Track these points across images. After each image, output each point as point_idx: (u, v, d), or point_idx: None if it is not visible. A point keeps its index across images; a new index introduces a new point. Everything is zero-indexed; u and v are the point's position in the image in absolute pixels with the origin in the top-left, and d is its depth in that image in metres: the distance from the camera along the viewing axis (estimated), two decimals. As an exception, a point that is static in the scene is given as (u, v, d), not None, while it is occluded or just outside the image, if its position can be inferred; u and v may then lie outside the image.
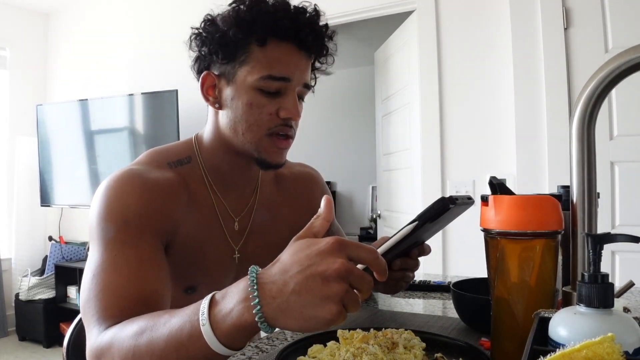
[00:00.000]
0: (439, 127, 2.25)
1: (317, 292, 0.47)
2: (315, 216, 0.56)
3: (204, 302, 0.53)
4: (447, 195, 2.26)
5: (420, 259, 0.85)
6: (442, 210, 0.64)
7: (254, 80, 0.77)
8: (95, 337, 0.62)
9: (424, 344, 0.64)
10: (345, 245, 0.49)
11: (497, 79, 2.12)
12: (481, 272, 0.71)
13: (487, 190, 0.62)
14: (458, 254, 2.21)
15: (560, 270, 0.61)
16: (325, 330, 0.54)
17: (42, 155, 3.43)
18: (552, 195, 0.58)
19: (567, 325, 0.44)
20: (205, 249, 0.84)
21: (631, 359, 0.39)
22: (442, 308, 0.97)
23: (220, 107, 0.82)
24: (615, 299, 0.46)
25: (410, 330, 0.67)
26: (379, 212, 3.09)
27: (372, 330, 0.67)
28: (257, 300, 0.49)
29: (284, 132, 0.80)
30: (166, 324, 0.55)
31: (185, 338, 0.53)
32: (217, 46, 0.78)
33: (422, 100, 2.29)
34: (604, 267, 0.45)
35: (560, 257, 0.59)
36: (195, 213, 0.83)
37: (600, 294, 0.44)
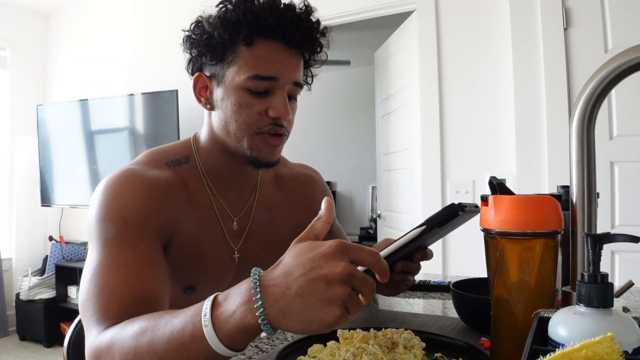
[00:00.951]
0: (439, 127, 2.25)
1: (320, 295, 0.48)
2: (316, 218, 0.56)
3: (207, 303, 0.53)
4: (447, 195, 2.27)
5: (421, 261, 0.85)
6: (451, 216, 0.64)
7: (242, 80, 0.77)
8: (95, 337, 0.62)
9: (424, 344, 0.64)
10: (348, 249, 0.50)
11: (497, 79, 2.12)
12: (481, 272, 0.71)
13: (487, 190, 0.62)
14: (458, 254, 2.21)
15: (560, 270, 0.61)
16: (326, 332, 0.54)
17: (43, 155, 3.43)
18: (552, 195, 0.58)
19: (566, 325, 0.44)
20: (204, 249, 0.84)
21: (631, 358, 0.39)
22: (442, 308, 0.97)
23: (212, 108, 0.83)
24: (615, 299, 0.46)
25: (410, 330, 0.67)
26: (379, 212, 3.09)
27: (372, 330, 0.67)
28: (260, 302, 0.49)
29: (274, 131, 0.80)
30: (167, 324, 0.55)
31: (187, 339, 0.53)
32: (205, 48, 0.78)
33: (422, 100, 2.29)
34: (604, 267, 0.45)
35: (560, 257, 0.59)
36: (194, 213, 0.83)
37: (600, 293, 0.44)
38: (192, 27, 0.81)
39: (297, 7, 0.79)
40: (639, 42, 0.58)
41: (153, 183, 0.77)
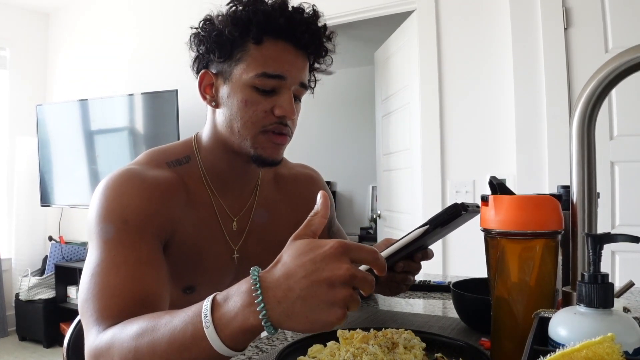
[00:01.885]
0: (439, 127, 2.25)
1: (323, 297, 0.48)
2: (312, 213, 0.56)
3: (206, 304, 0.53)
4: (447, 195, 2.27)
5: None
6: (454, 216, 0.64)
7: (250, 77, 0.77)
8: (94, 338, 0.62)
9: (424, 344, 0.64)
10: (349, 249, 0.50)
11: (497, 78, 2.12)
12: (481, 272, 0.71)
13: (487, 190, 0.62)
14: (458, 254, 2.21)
15: (560, 270, 0.61)
16: (328, 331, 0.54)
17: (42, 155, 3.43)
18: (552, 195, 0.58)
19: (567, 325, 0.44)
20: (204, 249, 0.84)
21: (631, 358, 0.39)
22: (442, 308, 0.97)
23: (217, 106, 0.83)
24: (615, 299, 0.46)
25: (410, 330, 0.67)
26: (379, 212, 3.09)
27: (372, 330, 0.67)
28: (262, 305, 0.49)
29: (278, 130, 0.80)
30: (167, 325, 0.55)
31: (188, 340, 0.53)
32: (214, 45, 0.79)
33: (422, 100, 2.29)
34: (604, 267, 0.45)
35: (560, 257, 0.59)
36: (194, 213, 0.83)
37: (600, 294, 0.44)
38: (201, 24, 0.81)
39: (305, 10, 0.80)
40: (639, 42, 0.58)
41: (153, 183, 0.77)
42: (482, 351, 0.62)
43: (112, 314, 0.63)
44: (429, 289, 1.11)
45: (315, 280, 0.48)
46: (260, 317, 0.49)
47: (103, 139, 3.24)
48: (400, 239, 0.69)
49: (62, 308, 3.38)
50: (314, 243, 0.51)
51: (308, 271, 0.49)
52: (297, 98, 0.83)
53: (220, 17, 0.79)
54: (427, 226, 0.65)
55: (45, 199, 3.44)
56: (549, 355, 0.38)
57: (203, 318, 0.52)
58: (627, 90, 1.80)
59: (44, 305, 3.34)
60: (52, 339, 3.35)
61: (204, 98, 0.84)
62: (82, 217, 3.61)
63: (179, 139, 2.54)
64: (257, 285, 0.50)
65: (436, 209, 2.13)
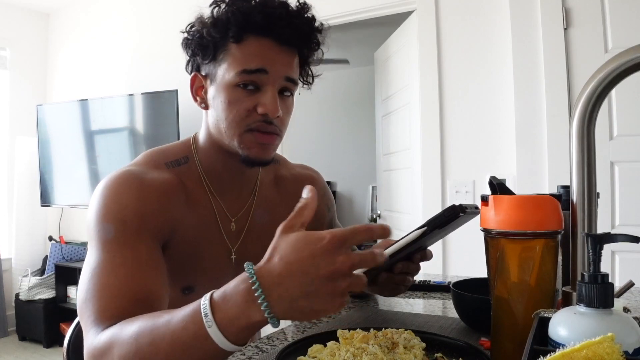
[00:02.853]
0: (439, 127, 2.25)
1: (325, 290, 0.49)
2: (300, 205, 0.56)
3: (204, 303, 0.53)
4: (447, 195, 2.27)
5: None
6: (452, 218, 0.64)
7: (231, 77, 0.77)
8: (93, 338, 0.62)
9: (424, 344, 0.64)
10: (345, 239, 0.50)
11: (497, 79, 2.12)
12: (481, 272, 0.71)
13: (487, 190, 0.62)
14: (458, 254, 2.21)
15: (560, 270, 0.61)
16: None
17: (42, 155, 3.43)
18: (552, 195, 0.58)
19: (567, 325, 0.44)
20: (202, 250, 0.84)
21: (631, 358, 0.39)
22: (442, 308, 0.97)
23: (207, 108, 0.83)
24: (615, 299, 0.46)
25: (410, 330, 0.67)
26: (379, 212, 3.09)
27: (372, 330, 0.67)
28: (266, 303, 0.50)
29: (263, 128, 0.79)
30: (168, 325, 0.55)
31: (190, 339, 0.53)
32: (198, 47, 0.80)
33: (422, 100, 2.29)
34: (604, 267, 0.45)
35: (560, 257, 0.59)
36: (193, 213, 0.83)
37: (600, 294, 0.44)
38: (187, 28, 0.82)
39: (291, 4, 0.79)
40: (639, 42, 0.58)
41: (152, 184, 0.77)
42: (482, 351, 0.62)
43: (111, 315, 0.63)
44: (428, 289, 1.11)
45: (315, 277, 0.49)
46: (265, 315, 0.50)
47: (103, 139, 3.24)
48: (399, 240, 0.69)
49: (62, 308, 3.38)
50: (310, 236, 0.51)
51: (308, 268, 0.49)
52: (286, 91, 0.81)
53: (201, 19, 0.79)
54: (425, 228, 0.65)
55: (45, 199, 3.44)
56: (549, 355, 0.38)
57: (204, 317, 0.52)
58: (627, 90, 1.80)
59: (44, 305, 3.34)
60: (52, 339, 3.35)
61: (195, 100, 0.85)
62: (82, 217, 3.60)
63: (179, 139, 2.53)
64: (257, 285, 0.50)
65: (436, 209, 2.13)
